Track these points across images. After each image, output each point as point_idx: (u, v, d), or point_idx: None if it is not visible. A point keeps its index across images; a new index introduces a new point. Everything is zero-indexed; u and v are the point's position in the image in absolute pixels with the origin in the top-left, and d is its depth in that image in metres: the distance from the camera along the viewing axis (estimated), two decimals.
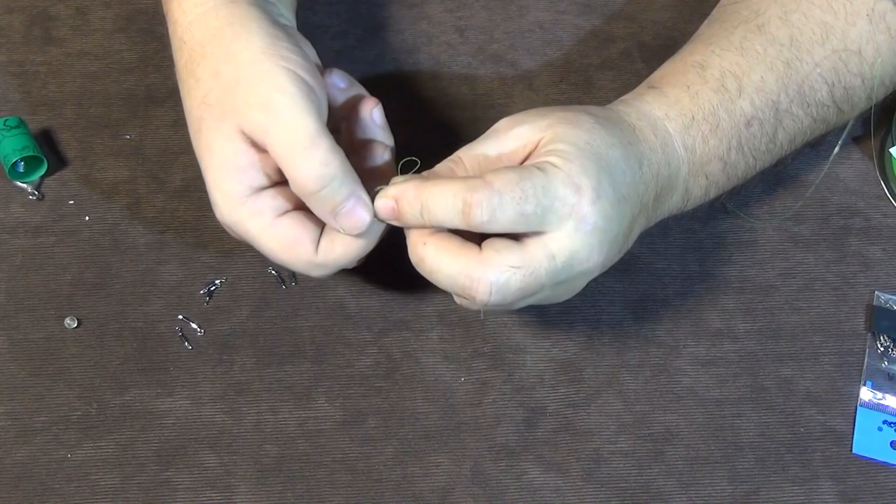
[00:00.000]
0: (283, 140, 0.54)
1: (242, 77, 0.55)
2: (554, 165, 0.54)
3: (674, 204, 0.63)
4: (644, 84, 0.64)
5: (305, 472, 0.62)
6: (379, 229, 0.57)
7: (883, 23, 0.64)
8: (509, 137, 0.57)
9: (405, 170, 0.58)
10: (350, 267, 0.59)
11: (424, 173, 0.57)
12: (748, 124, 0.62)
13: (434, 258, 0.54)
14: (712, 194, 0.64)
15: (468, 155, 0.57)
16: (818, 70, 0.63)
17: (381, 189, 0.55)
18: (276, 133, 0.54)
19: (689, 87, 0.61)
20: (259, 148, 0.56)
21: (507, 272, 0.53)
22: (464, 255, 0.54)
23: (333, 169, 0.54)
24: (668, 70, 0.64)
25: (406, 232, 0.56)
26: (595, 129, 0.56)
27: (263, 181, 0.57)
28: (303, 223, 0.57)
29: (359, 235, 0.56)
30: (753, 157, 0.64)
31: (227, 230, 0.59)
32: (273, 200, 0.57)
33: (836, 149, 0.68)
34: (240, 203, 0.57)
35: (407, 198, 0.54)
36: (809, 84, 0.63)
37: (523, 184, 0.52)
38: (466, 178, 0.54)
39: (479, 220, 0.52)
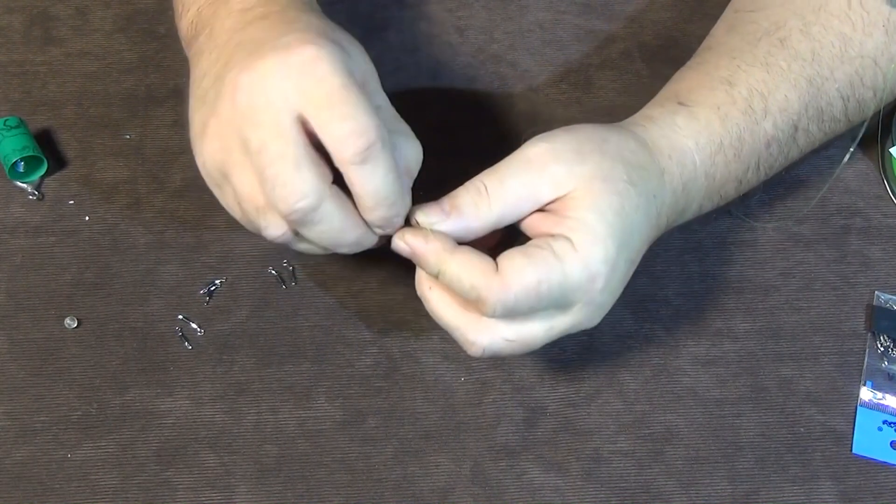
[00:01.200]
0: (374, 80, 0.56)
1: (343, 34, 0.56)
2: (573, 248, 0.52)
3: (681, 222, 0.62)
4: (671, 95, 0.62)
5: (305, 472, 0.62)
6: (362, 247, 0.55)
7: None
8: (543, 178, 0.53)
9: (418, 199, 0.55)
10: (324, 247, 0.55)
11: (443, 199, 0.54)
12: (768, 145, 0.62)
13: (437, 305, 0.55)
14: (721, 205, 0.64)
15: (494, 184, 0.54)
16: (836, 85, 0.63)
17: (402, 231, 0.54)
18: (372, 73, 0.55)
19: (718, 108, 0.60)
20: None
21: (500, 343, 0.54)
22: (465, 314, 0.54)
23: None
24: (695, 83, 0.62)
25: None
26: (626, 190, 0.54)
27: None
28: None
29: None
30: (766, 174, 0.64)
31: (227, 105, 0.51)
32: None
33: (847, 157, 0.67)
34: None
35: (426, 259, 0.53)
36: (827, 100, 0.63)
37: (540, 287, 0.51)
38: (485, 268, 0.52)
39: (491, 314, 0.52)
